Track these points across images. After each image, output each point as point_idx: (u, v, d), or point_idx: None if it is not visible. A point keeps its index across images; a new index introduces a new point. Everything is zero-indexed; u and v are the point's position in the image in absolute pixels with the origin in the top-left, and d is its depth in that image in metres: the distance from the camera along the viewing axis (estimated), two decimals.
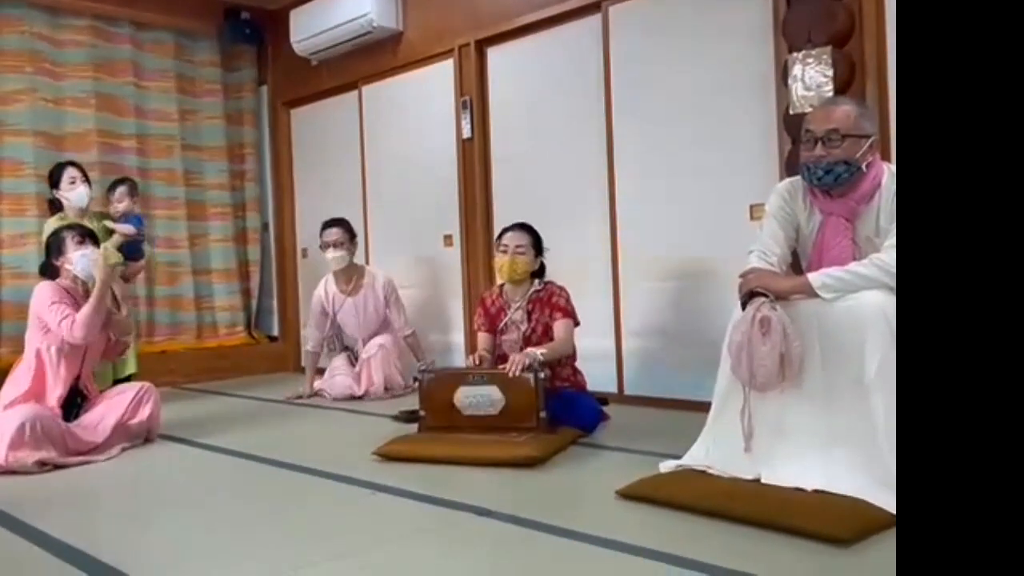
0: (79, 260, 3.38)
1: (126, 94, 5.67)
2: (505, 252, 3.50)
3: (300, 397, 4.73)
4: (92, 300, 3.30)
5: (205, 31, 6.08)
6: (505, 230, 3.61)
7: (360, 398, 4.62)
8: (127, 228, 4.36)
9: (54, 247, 3.44)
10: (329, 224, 4.81)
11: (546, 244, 3.66)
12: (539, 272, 3.60)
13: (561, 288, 3.54)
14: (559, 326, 3.45)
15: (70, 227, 3.52)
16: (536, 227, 3.65)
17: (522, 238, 3.52)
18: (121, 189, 4.47)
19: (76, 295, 3.41)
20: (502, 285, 3.64)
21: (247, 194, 6.33)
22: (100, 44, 5.56)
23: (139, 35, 5.76)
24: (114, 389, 3.61)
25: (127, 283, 4.46)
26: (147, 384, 3.65)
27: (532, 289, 3.55)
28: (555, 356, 3.35)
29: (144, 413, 3.52)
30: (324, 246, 4.77)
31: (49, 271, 3.45)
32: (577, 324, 3.53)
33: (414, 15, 5.19)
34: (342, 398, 4.63)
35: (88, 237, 3.46)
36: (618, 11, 4.13)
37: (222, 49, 6.18)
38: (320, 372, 4.93)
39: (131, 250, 4.40)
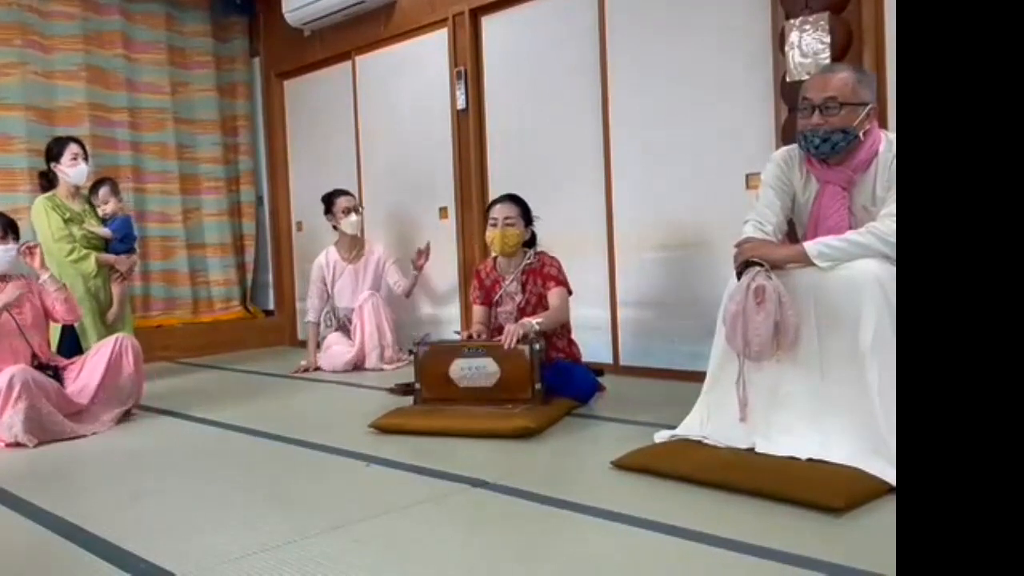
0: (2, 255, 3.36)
1: (117, 67, 5.61)
2: (495, 226, 3.49)
3: (306, 370, 4.74)
4: None
5: (196, 1, 6.00)
6: (493, 203, 3.60)
7: (357, 369, 4.65)
8: (105, 232, 4.36)
9: None
10: (339, 193, 4.88)
11: (542, 215, 3.64)
12: (531, 242, 3.60)
13: (553, 258, 3.54)
14: (553, 295, 3.44)
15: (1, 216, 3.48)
16: (531, 198, 3.63)
17: (510, 210, 3.50)
18: (104, 190, 4.45)
19: None
20: (495, 257, 3.63)
21: (241, 167, 6.29)
22: (90, 16, 5.49)
23: (129, 6, 5.68)
24: (91, 350, 3.60)
25: (124, 281, 4.44)
26: (122, 335, 3.63)
27: (525, 260, 3.54)
28: (551, 325, 3.35)
29: (128, 362, 3.51)
30: (345, 211, 4.81)
31: None
32: (570, 293, 3.52)
33: None
34: (340, 370, 4.64)
35: (9, 230, 3.42)
36: None
37: (213, 20, 6.11)
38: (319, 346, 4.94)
39: (122, 249, 4.40)
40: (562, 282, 3.47)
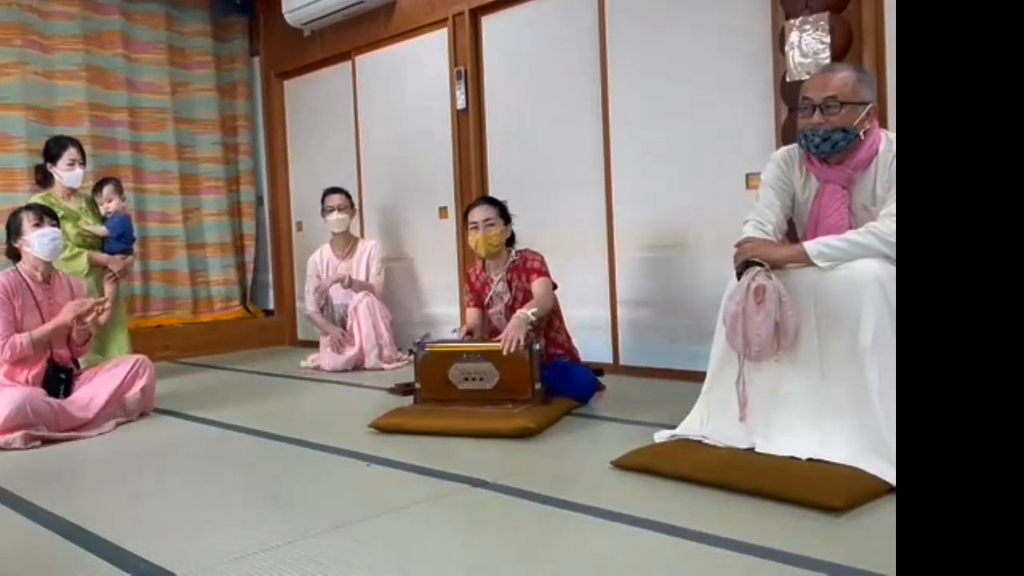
0: (37, 241, 3.32)
1: (116, 67, 5.61)
2: (476, 229, 3.51)
3: (340, 344, 4.74)
4: (37, 333, 3.24)
5: (196, 1, 6.00)
6: (470, 207, 3.63)
7: (357, 369, 4.67)
8: (100, 230, 4.34)
9: (13, 228, 3.38)
10: (331, 191, 5.01)
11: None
12: (510, 240, 3.62)
13: (535, 253, 3.57)
14: (537, 284, 3.46)
15: (28, 208, 3.46)
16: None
17: (488, 211, 3.53)
18: (109, 188, 4.42)
19: (34, 280, 3.35)
20: (484, 260, 3.64)
21: (241, 167, 6.29)
22: (89, 16, 5.49)
23: (129, 6, 5.68)
24: (109, 363, 3.60)
25: (118, 282, 4.41)
26: (142, 357, 3.64)
27: (509, 260, 3.57)
28: (543, 314, 3.35)
29: (139, 386, 3.51)
30: (328, 210, 4.95)
31: (11, 253, 3.41)
32: (555, 287, 3.53)
33: None
34: (340, 369, 4.66)
35: (47, 216, 3.39)
36: None
37: (213, 20, 6.11)
38: (313, 346, 4.95)
39: (118, 248, 4.37)
40: (545, 274, 3.50)
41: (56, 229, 3.41)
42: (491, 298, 3.59)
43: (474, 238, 3.54)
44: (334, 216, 4.93)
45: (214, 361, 5.43)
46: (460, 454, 2.73)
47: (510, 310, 3.50)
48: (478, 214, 3.53)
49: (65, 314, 3.31)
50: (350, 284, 4.76)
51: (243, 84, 6.28)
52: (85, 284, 3.83)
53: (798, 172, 2.59)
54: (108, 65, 5.57)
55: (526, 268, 3.52)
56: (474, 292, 3.67)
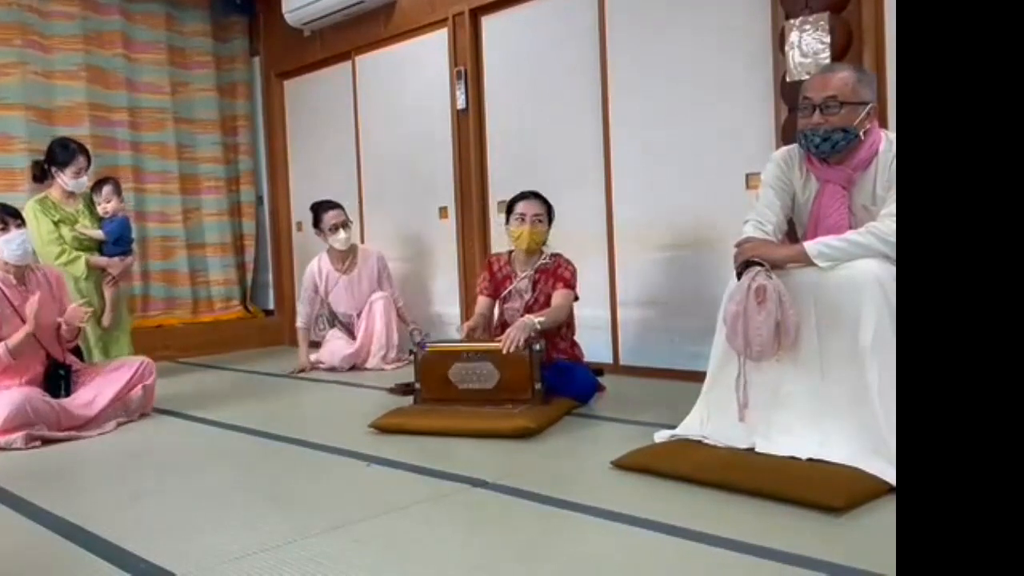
0: (4, 248, 3.24)
1: (116, 67, 5.61)
2: (523, 221, 3.48)
3: (302, 370, 4.72)
4: (11, 342, 3.16)
5: (196, 1, 6.00)
6: (517, 199, 3.57)
7: (356, 368, 4.66)
8: (97, 234, 4.30)
9: None
10: (330, 206, 4.78)
11: None
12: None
13: (568, 261, 3.54)
14: (558, 295, 3.44)
15: None
16: None
17: (539, 207, 3.51)
18: (108, 188, 4.38)
19: (7, 285, 3.28)
20: (511, 252, 3.62)
21: (241, 167, 6.29)
22: (90, 16, 5.49)
23: (129, 6, 5.68)
24: (112, 364, 3.60)
25: (118, 285, 4.36)
26: (147, 359, 3.63)
27: (541, 260, 3.54)
28: (551, 325, 3.34)
29: (140, 389, 3.52)
30: (334, 228, 4.72)
31: None
32: (576, 299, 3.52)
33: None
34: (339, 365, 4.65)
35: (10, 218, 3.28)
36: None
37: (213, 20, 6.11)
38: (315, 346, 4.93)
39: (116, 251, 4.34)
40: (571, 286, 3.48)
41: (22, 231, 3.31)
42: (510, 292, 3.57)
43: (520, 229, 3.48)
44: (341, 235, 4.70)
45: (214, 361, 5.43)
46: (460, 454, 2.73)
47: (528, 310, 3.48)
48: (528, 207, 3.50)
49: (30, 321, 3.21)
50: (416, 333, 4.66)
51: (243, 84, 6.28)
52: (68, 281, 3.73)
53: (798, 172, 2.59)
54: (108, 65, 5.57)
55: (556, 274, 3.49)
56: (494, 282, 3.62)
